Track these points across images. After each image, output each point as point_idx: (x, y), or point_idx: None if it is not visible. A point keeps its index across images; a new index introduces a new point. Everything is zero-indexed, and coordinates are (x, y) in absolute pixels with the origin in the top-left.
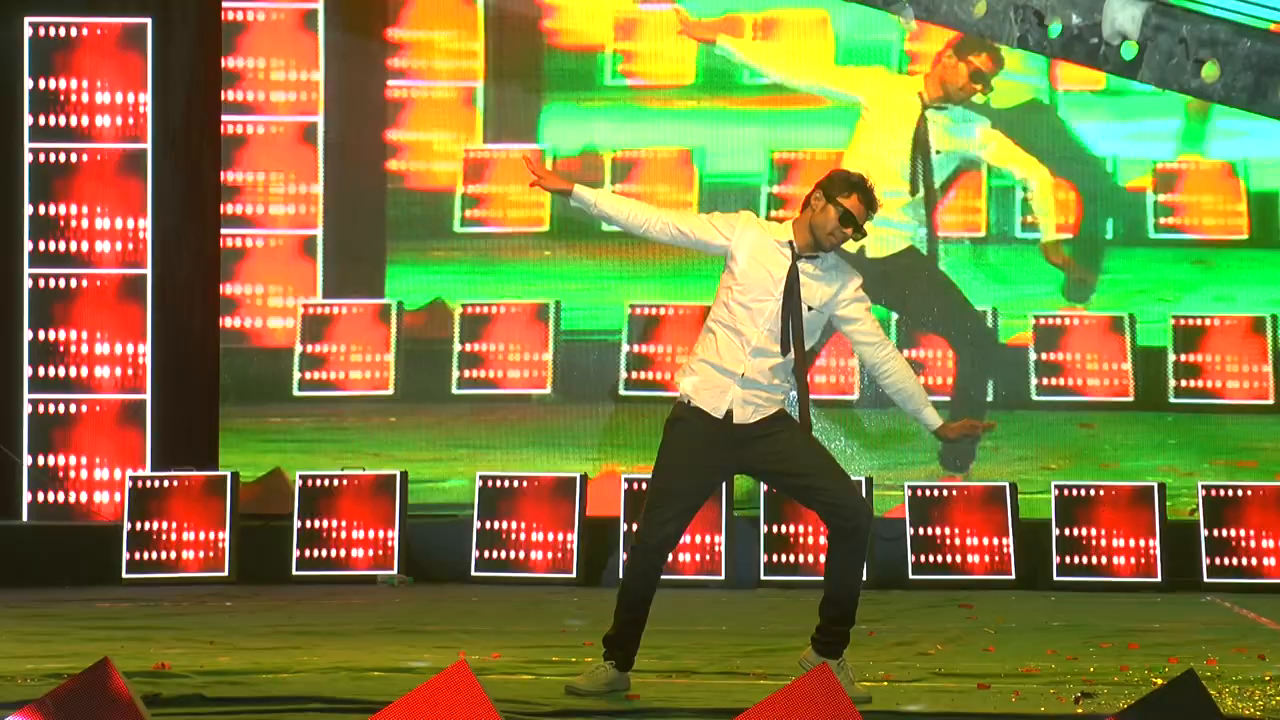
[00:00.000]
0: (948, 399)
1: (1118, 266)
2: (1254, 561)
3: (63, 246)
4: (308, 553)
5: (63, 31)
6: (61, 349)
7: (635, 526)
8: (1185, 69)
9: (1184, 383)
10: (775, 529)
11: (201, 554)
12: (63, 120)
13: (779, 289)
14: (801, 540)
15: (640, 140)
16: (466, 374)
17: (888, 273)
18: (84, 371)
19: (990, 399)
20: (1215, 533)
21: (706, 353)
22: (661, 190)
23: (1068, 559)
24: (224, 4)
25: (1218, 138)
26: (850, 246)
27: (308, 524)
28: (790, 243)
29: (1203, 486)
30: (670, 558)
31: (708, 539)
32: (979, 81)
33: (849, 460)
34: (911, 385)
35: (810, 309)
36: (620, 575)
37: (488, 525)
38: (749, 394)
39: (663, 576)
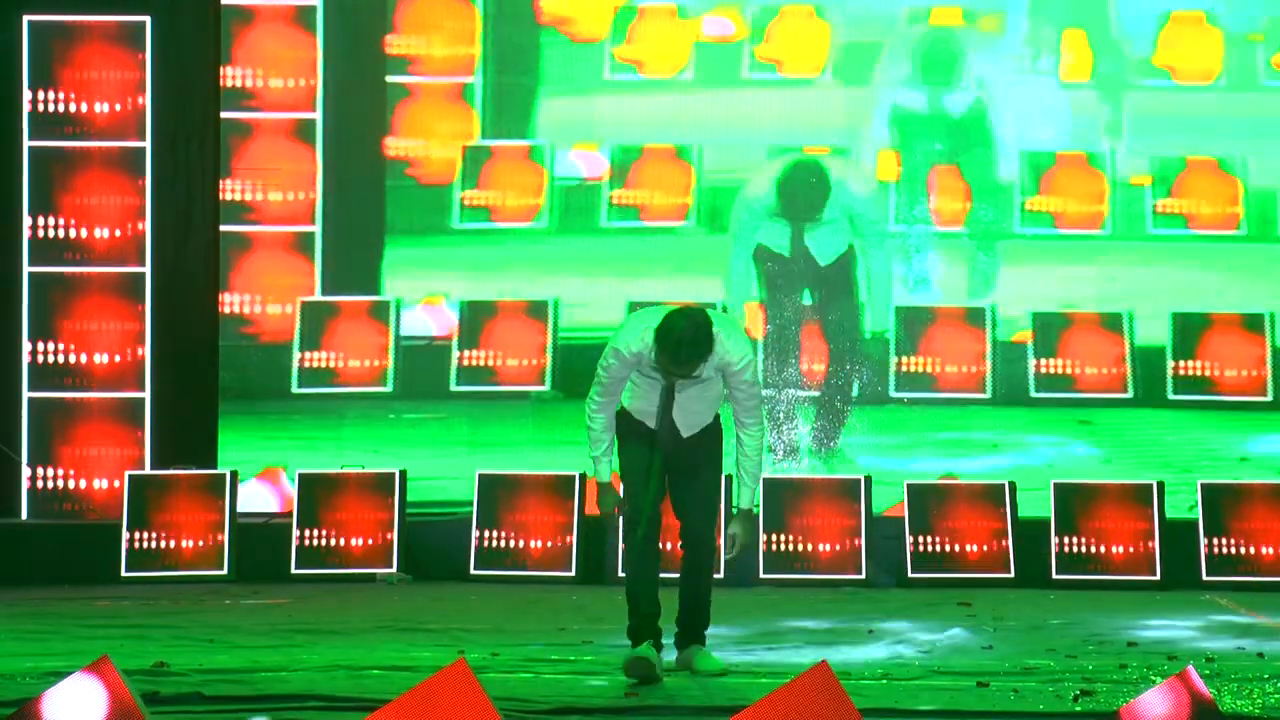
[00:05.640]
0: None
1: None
2: (1253, 558)
3: (62, 244)
4: (306, 551)
5: (61, 29)
6: (61, 346)
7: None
8: None
9: (1182, 372)
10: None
11: (200, 552)
12: (62, 117)
13: (658, 397)
14: (801, 538)
15: (639, 134)
16: (465, 371)
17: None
18: (83, 369)
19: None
20: (1214, 530)
21: (628, 398)
22: (660, 183)
23: (1066, 556)
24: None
25: (1218, 133)
26: None
27: (307, 522)
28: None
29: (1202, 484)
30: (667, 546)
31: None
32: None
33: (846, 457)
34: (751, 463)
35: (699, 378)
36: (623, 572)
37: (486, 523)
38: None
39: (661, 575)
